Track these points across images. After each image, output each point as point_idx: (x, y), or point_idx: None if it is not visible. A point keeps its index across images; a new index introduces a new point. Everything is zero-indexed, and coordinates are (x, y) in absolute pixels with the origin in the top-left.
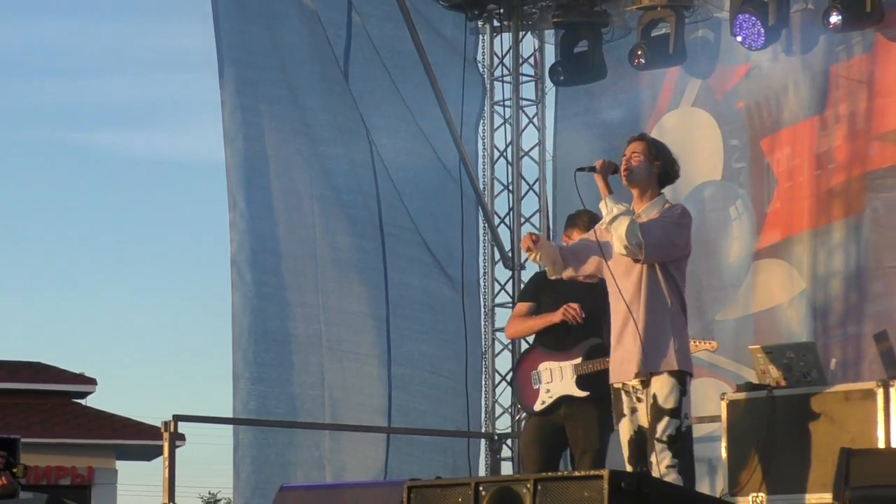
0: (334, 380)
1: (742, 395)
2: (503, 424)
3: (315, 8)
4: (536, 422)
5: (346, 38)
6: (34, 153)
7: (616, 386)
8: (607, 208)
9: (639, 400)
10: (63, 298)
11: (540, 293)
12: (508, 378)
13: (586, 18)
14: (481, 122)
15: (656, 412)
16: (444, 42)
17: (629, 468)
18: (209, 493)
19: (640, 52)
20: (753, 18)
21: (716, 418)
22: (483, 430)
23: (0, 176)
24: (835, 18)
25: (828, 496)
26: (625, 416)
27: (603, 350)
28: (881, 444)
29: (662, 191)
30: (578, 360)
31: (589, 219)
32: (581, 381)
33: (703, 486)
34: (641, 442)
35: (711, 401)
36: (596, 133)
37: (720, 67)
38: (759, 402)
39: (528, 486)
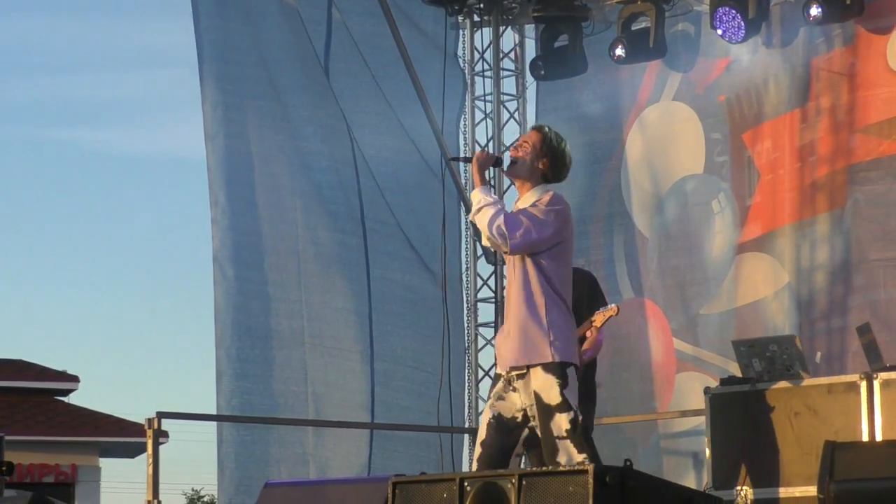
0: (317, 376)
1: (726, 389)
2: None
3: (295, 4)
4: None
5: (326, 34)
6: (15, 149)
7: (498, 370)
8: (475, 198)
9: (513, 390)
10: (44, 296)
11: None
12: (491, 373)
13: (566, 13)
14: (462, 117)
15: (545, 412)
16: (424, 37)
17: (478, 450)
18: (193, 490)
19: (620, 46)
20: (733, 12)
21: (700, 412)
22: (466, 425)
23: None
24: (815, 11)
25: (812, 489)
26: (491, 399)
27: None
28: (865, 437)
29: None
30: None
31: None
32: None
33: (688, 480)
34: (497, 427)
35: (696, 395)
36: (577, 127)
37: (700, 61)
38: (743, 395)
39: (513, 481)
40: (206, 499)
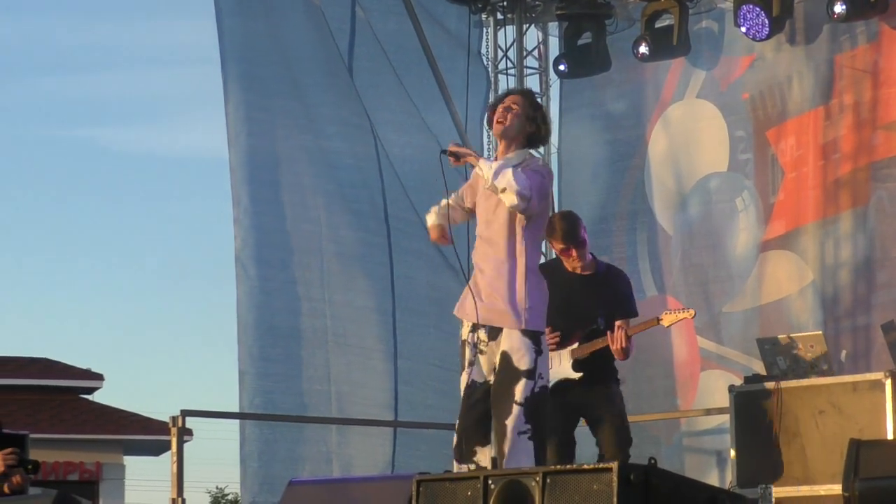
0: (340, 375)
1: (750, 387)
2: None
3: (318, 3)
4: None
5: (349, 32)
6: (38, 149)
7: (463, 338)
8: (486, 166)
9: (481, 353)
10: (69, 294)
11: None
12: None
13: (590, 10)
14: (486, 115)
15: (511, 373)
16: (448, 35)
17: (459, 422)
18: (217, 488)
19: (643, 44)
20: (757, 9)
21: (724, 410)
22: None
23: (4, 173)
24: (839, 8)
25: (837, 487)
26: (464, 369)
27: (599, 333)
28: (890, 435)
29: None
30: (576, 345)
31: (567, 224)
32: (576, 365)
33: (711, 479)
34: (473, 395)
35: (720, 393)
36: (600, 125)
37: (724, 58)
38: (768, 393)
39: (537, 479)
40: (230, 497)
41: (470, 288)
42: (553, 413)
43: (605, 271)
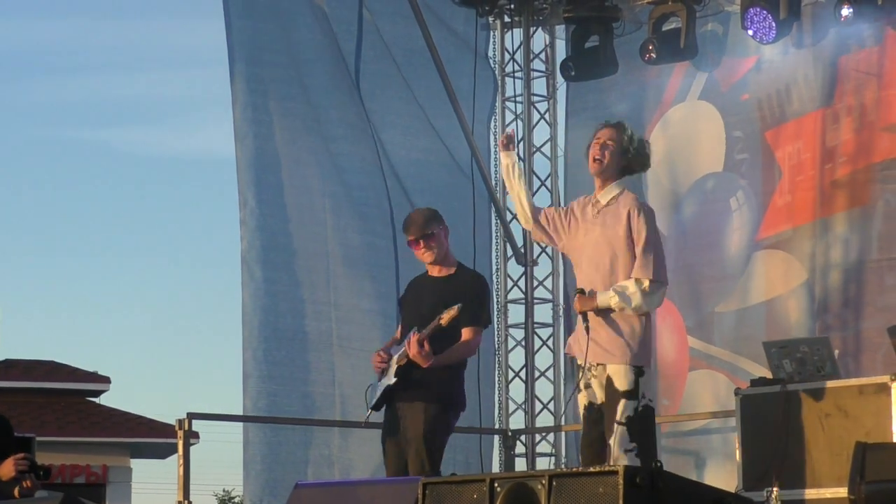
0: (345, 378)
1: (756, 390)
2: (517, 420)
3: (324, 5)
4: (384, 421)
5: (356, 35)
6: (45, 150)
7: (579, 362)
8: (612, 300)
9: (594, 377)
10: (76, 297)
11: (406, 294)
12: (522, 374)
13: (597, 13)
14: (493, 118)
15: (613, 395)
16: (455, 38)
17: (581, 441)
18: (224, 491)
19: (651, 47)
20: (764, 12)
21: (730, 413)
22: (496, 426)
23: (13, 174)
24: (846, 11)
25: (843, 490)
26: (580, 390)
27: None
28: None
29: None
30: (401, 351)
31: (421, 217)
32: (398, 371)
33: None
34: (591, 417)
35: (708, 392)
36: None
37: (727, 60)
38: (773, 396)
39: (544, 482)
40: (236, 500)
41: (580, 324)
42: (384, 430)
43: (455, 273)
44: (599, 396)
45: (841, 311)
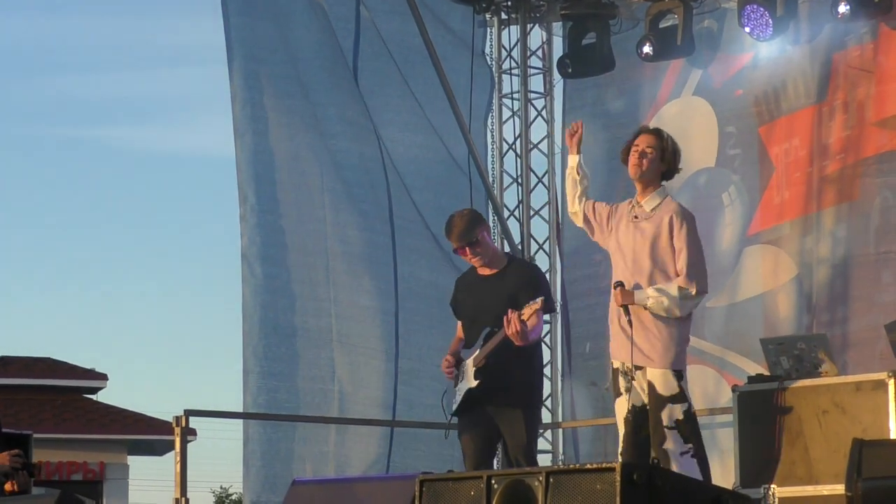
0: (344, 374)
1: (753, 387)
2: None
3: (323, 2)
4: (461, 422)
5: (354, 32)
6: (44, 148)
7: (615, 366)
8: (649, 300)
9: (632, 379)
10: (74, 294)
11: (457, 296)
12: None
13: (594, 10)
14: (490, 115)
15: (657, 401)
16: (452, 35)
17: (621, 446)
18: (221, 488)
19: (648, 44)
20: (761, 9)
21: (727, 410)
22: None
23: (13, 171)
24: (843, 8)
25: (840, 487)
26: (621, 394)
27: (494, 334)
28: (893, 435)
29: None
30: (476, 353)
31: (463, 223)
32: (477, 373)
33: None
34: (635, 421)
35: (698, 387)
36: (601, 124)
37: (722, 56)
38: (771, 393)
39: (541, 479)
40: (234, 497)
41: (622, 329)
42: (464, 435)
43: (506, 267)
44: (643, 399)
45: (833, 307)
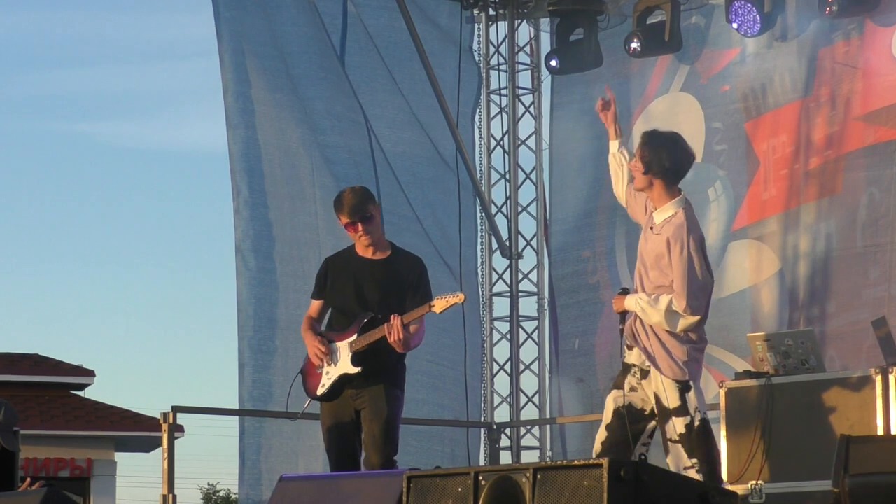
0: None
1: (741, 383)
2: (502, 414)
3: None
4: (326, 407)
5: (342, 28)
6: (33, 144)
7: (627, 362)
8: (637, 306)
9: (638, 383)
10: (61, 289)
11: (326, 279)
12: (507, 367)
13: (582, 6)
14: (478, 111)
15: (663, 413)
16: (439, 31)
17: (603, 434)
18: (208, 485)
19: (635, 40)
20: (749, 5)
21: (714, 406)
22: (482, 419)
23: (0, 166)
24: (831, 4)
25: (827, 483)
26: (620, 389)
27: (378, 322)
28: (880, 431)
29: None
30: (354, 338)
31: (355, 198)
32: (355, 358)
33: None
34: (624, 419)
35: None
36: (589, 120)
37: (708, 52)
38: (758, 389)
39: (528, 475)
40: (221, 493)
41: (632, 328)
42: (330, 418)
43: (394, 255)
44: (640, 401)
45: (819, 302)
